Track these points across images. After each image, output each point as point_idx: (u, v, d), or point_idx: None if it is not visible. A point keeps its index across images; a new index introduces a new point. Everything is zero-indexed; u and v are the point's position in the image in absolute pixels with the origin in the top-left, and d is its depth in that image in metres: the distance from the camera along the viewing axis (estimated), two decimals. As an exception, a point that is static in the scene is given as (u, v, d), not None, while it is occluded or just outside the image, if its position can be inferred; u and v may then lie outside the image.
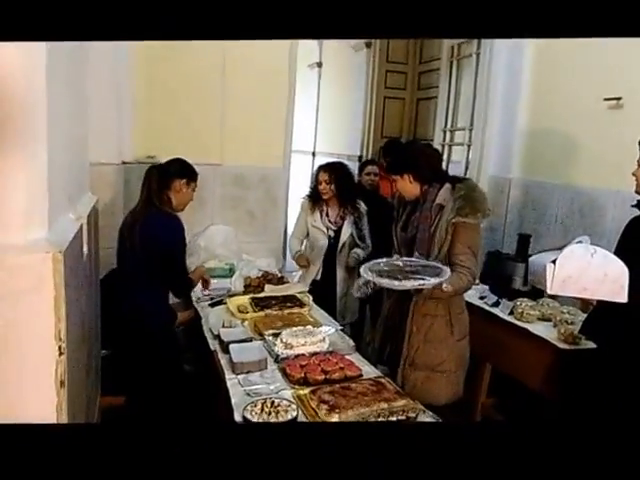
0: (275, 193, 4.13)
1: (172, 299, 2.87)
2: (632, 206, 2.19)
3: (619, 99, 3.24)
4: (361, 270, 2.25)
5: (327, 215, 3.40)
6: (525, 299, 3.09)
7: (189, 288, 2.81)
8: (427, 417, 1.79)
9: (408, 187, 2.37)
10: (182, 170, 2.66)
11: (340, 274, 3.40)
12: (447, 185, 2.33)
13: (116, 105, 3.44)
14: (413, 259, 2.31)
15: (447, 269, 2.21)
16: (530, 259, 2.73)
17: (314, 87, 7.79)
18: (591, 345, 2.45)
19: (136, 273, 2.56)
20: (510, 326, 2.97)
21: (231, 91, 3.85)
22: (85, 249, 1.88)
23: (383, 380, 2.00)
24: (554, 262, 1.90)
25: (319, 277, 3.41)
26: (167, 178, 2.60)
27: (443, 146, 5.14)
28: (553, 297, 3.25)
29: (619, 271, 1.88)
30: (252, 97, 3.90)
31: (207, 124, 3.85)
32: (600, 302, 2.10)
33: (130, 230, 2.55)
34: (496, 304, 3.13)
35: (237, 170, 3.98)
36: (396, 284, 2.10)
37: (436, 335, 2.39)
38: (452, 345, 2.42)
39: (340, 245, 3.39)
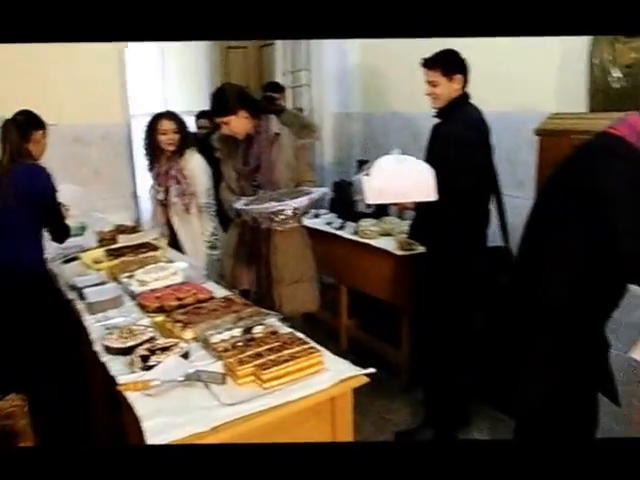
0: (119, 150, 4.13)
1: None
2: (433, 116, 2.52)
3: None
4: (234, 205, 2.49)
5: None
6: (368, 219, 3.39)
7: (68, 233, 2.77)
8: (273, 318, 1.97)
9: (243, 124, 2.57)
10: (37, 121, 2.66)
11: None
12: (271, 116, 2.63)
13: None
14: (269, 192, 2.53)
15: (310, 189, 2.52)
16: (353, 178, 2.88)
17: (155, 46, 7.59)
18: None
19: (11, 226, 2.46)
20: (355, 244, 3.30)
21: (59, 50, 3.72)
22: None
23: (232, 297, 2.19)
24: (368, 175, 2.19)
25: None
26: (26, 130, 2.57)
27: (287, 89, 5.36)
28: (400, 215, 3.64)
29: (426, 173, 2.20)
30: (80, 56, 3.79)
31: (40, 83, 3.69)
32: (417, 206, 2.44)
33: None
34: (341, 227, 3.46)
35: (76, 129, 3.89)
36: (274, 204, 2.33)
37: (296, 249, 2.70)
38: (308, 255, 2.76)
39: None
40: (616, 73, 2.45)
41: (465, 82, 2.45)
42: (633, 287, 1.88)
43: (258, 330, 1.84)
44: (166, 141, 3.17)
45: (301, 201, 2.38)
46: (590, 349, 1.85)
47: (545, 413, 1.85)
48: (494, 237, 2.57)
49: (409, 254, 3.00)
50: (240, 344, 1.74)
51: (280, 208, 2.35)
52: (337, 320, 3.76)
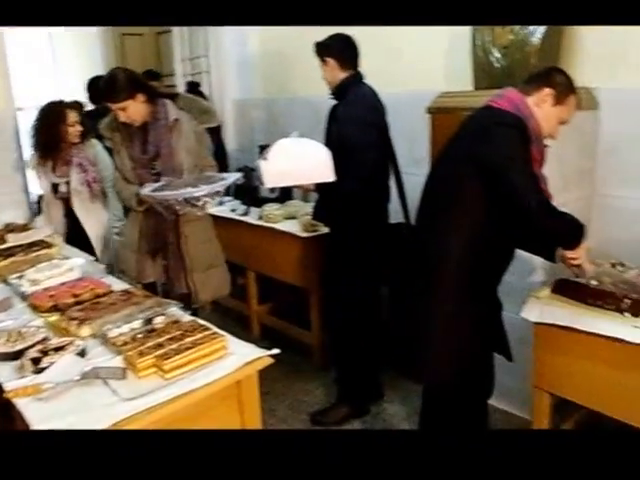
0: (5, 143, 3.85)
1: None
2: (329, 98, 2.59)
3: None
4: (142, 192, 2.38)
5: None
6: (272, 204, 3.40)
7: None
8: (174, 308, 1.91)
9: (141, 109, 2.44)
10: None
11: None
12: (167, 100, 2.53)
13: None
14: (180, 179, 2.44)
15: (222, 174, 2.48)
16: (256, 164, 2.90)
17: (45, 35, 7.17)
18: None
19: None
20: (261, 230, 3.29)
21: None
22: None
23: (132, 289, 2.12)
24: (265, 159, 2.20)
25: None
26: None
27: (186, 76, 5.24)
28: (304, 198, 3.66)
29: (323, 155, 2.25)
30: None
31: None
32: (318, 188, 2.47)
33: None
34: (245, 213, 3.45)
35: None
36: (191, 189, 2.23)
37: (205, 235, 2.66)
38: (215, 240, 2.73)
39: None
40: (496, 53, 2.56)
41: (344, 65, 2.51)
42: (526, 254, 2.04)
43: (159, 321, 1.79)
44: (74, 132, 3.05)
45: (218, 186, 2.32)
46: (485, 310, 1.97)
47: (449, 375, 1.94)
48: (396, 214, 2.65)
49: (313, 235, 3.04)
50: (140, 336, 1.69)
51: (201, 193, 2.26)
52: (247, 307, 3.74)
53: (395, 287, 2.14)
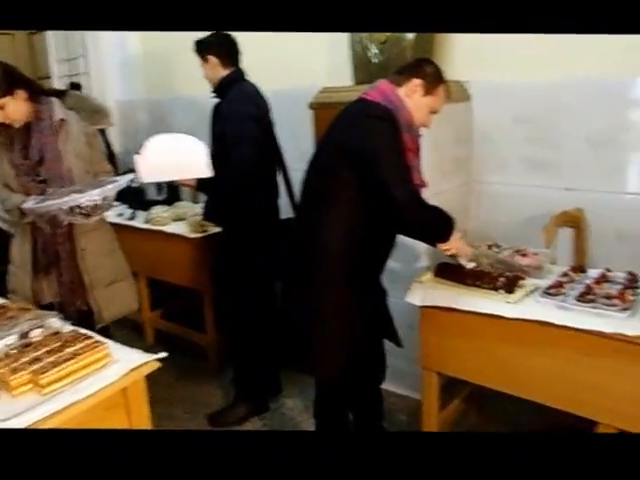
0: None
1: None
2: (212, 97, 2.56)
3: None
4: (24, 206, 2.11)
5: None
6: (160, 206, 3.31)
7: None
8: (54, 318, 1.82)
9: (22, 107, 2.15)
10: None
11: None
12: (53, 99, 2.27)
13: None
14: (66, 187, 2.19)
15: (114, 177, 2.27)
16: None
17: None
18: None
19: None
20: (149, 233, 3.20)
21: None
22: None
23: (6, 303, 1.99)
24: (140, 154, 2.14)
25: None
26: None
27: (62, 78, 4.96)
28: (194, 199, 3.59)
29: (199, 150, 2.22)
30: None
31: None
32: (201, 185, 2.41)
33: None
34: (132, 217, 3.33)
35: None
36: (76, 196, 2.01)
37: (106, 247, 2.42)
38: (119, 251, 2.49)
39: None
40: (374, 49, 2.65)
41: (225, 62, 2.50)
42: (410, 240, 2.09)
43: (36, 333, 1.67)
44: None
45: (109, 189, 2.11)
46: (370, 298, 2.01)
47: (339, 364, 1.95)
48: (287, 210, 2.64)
49: (203, 236, 2.99)
50: (14, 351, 1.57)
51: (87, 200, 2.03)
52: (140, 314, 3.55)
53: (286, 282, 2.15)
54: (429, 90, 1.91)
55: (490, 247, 2.27)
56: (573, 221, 2.45)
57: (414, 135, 1.93)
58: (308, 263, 1.93)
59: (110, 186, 2.12)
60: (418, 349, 2.23)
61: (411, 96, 1.89)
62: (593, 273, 2.09)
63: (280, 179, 2.63)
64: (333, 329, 1.92)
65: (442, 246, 1.95)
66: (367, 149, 1.77)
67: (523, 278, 2.05)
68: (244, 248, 2.55)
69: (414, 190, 1.84)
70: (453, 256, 2.02)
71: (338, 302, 1.90)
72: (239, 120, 2.38)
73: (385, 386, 2.28)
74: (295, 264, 2.02)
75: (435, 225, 1.90)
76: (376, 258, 2.01)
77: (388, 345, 2.16)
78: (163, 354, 1.58)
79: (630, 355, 1.73)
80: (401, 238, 2.07)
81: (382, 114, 1.82)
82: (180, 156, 2.15)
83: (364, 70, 2.68)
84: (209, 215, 2.66)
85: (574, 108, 2.52)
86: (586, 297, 1.86)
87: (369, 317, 2.00)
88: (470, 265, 2.07)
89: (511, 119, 2.68)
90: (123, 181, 2.21)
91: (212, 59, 2.50)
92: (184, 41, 2.75)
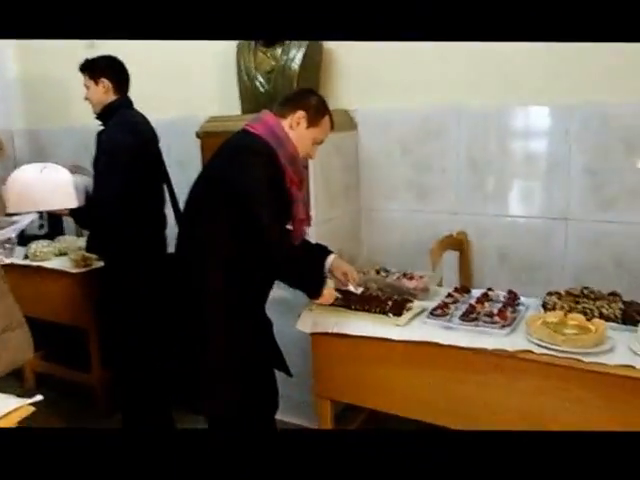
0: None
1: None
2: (99, 125, 2.48)
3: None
4: None
5: None
6: (41, 241, 3.10)
7: None
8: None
9: None
10: None
11: None
12: None
13: None
14: None
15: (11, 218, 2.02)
16: None
17: None
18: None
19: None
20: (28, 269, 2.97)
21: None
22: None
23: None
24: (4, 185, 2.05)
25: None
26: None
27: None
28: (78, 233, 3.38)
29: (66, 181, 2.17)
30: None
31: None
32: (72, 212, 2.31)
33: None
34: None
35: None
36: None
37: None
38: (10, 296, 2.07)
39: None
40: (260, 78, 2.65)
41: (117, 87, 2.44)
42: None
43: None
44: None
45: (9, 231, 1.93)
46: (256, 329, 1.96)
47: (228, 398, 1.89)
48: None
49: (86, 271, 2.84)
50: None
51: None
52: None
53: (168, 320, 2.07)
54: (313, 121, 1.91)
55: (378, 272, 2.29)
56: (457, 244, 2.54)
57: (297, 168, 1.91)
58: (189, 296, 1.87)
59: (10, 228, 1.94)
60: (309, 376, 2.19)
61: (295, 128, 1.88)
62: (476, 293, 2.16)
63: (169, 210, 2.53)
64: (220, 363, 1.86)
65: (315, 301, 1.95)
66: (242, 182, 1.74)
67: (411, 301, 2.08)
68: (126, 280, 2.43)
69: (287, 240, 1.83)
70: (342, 283, 2.03)
71: (223, 337, 1.84)
72: (111, 149, 2.31)
73: (281, 416, 2.23)
74: (176, 301, 1.94)
75: (304, 283, 1.89)
76: (258, 289, 1.97)
77: (284, 376, 2.10)
78: (38, 397, 1.48)
79: (510, 369, 1.78)
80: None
81: (261, 149, 1.80)
82: (45, 186, 2.10)
83: (251, 99, 2.67)
84: (90, 246, 2.55)
85: (457, 134, 2.61)
86: (469, 316, 1.91)
87: (256, 349, 1.95)
88: (359, 290, 2.08)
89: (397, 145, 2.74)
90: (25, 222, 2.03)
91: (105, 82, 2.41)
92: (67, 66, 2.66)
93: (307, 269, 1.88)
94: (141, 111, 2.53)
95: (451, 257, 2.52)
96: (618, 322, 1.86)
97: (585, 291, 2.06)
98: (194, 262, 1.83)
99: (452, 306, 2.02)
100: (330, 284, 1.94)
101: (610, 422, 1.63)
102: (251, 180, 1.74)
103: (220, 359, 1.85)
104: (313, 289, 1.90)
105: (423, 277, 2.23)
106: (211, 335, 1.84)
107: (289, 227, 1.95)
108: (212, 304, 1.83)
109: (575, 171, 2.39)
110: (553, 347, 1.71)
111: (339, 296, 2.04)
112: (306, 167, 1.98)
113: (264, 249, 1.77)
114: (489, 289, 2.17)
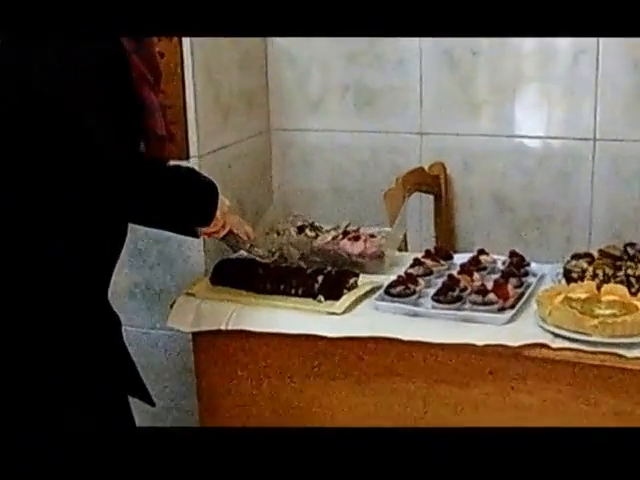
0: None
1: None
2: None
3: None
4: None
5: None
6: None
7: None
8: None
9: None
10: None
11: None
12: None
13: None
14: None
15: None
16: None
17: None
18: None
19: None
20: None
21: None
22: None
23: None
24: None
25: None
26: None
27: None
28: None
29: None
30: None
31: None
32: None
33: None
34: None
35: None
36: None
37: None
38: None
39: None
40: None
41: None
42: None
43: None
44: None
45: None
46: (93, 334, 1.69)
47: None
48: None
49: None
50: None
51: None
52: None
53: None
54: None
55: (301, 229, 2.04)
56: (430, 183, 2.39)
57: (149, 54, 1.70)
58: None
59: None
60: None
61: None
62: (461, 259, 2.04)
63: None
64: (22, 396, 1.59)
65: (205, 230, 1.73)
66: (54, 82, 1.53)
67: (355, 274, 1.93)
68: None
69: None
70: (237, 243, 1.84)
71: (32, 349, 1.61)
72: None
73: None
74: None
75: (182, 196, 1.65)
76: (92, 269, 1.73)
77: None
78: None
79: (513, 376, 1.70)
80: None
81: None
82: None
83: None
84: None
85: None
86: (450, 295, 1.80)
87: (91, 366, 1.69)
88: (269, 259, 1.90)
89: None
90: None
91: None
92: None
93: (182, 183, 1.71)
94: None
95: (420, 203, 2.42)
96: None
97: (630, 250, 1.96)
98: None
99: (422, 280, 1.89)
100: (226, 202, 1.75)
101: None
102: (71, 77, 1.52)
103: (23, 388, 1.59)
104: (200, 208, 1.72)
105: (374, 237, 2.04)
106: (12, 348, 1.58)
107: (141, 149, 1.76)
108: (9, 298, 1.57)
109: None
110: (580, 337, 1.62)
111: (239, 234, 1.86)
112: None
113: (101, 183, 1.54)
114: (480, 251, 2.05)
